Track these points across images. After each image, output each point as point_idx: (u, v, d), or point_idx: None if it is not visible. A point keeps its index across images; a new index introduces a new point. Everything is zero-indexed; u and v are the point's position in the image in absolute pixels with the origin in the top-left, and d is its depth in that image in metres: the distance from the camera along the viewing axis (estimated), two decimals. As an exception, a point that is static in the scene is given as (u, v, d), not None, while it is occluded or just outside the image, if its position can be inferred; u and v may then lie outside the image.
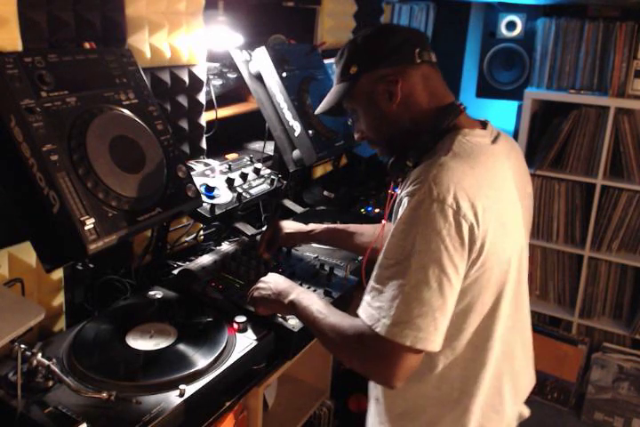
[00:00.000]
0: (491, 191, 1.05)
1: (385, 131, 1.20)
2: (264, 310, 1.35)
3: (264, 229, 1.73)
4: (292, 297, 1.25)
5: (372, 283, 1.04)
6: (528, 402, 1.32)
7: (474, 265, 1.02)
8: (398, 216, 1.03)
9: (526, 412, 1.31)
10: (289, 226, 1.66)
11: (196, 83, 1.80)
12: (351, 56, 1.19)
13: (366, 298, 1.04)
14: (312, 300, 1.21)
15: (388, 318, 0.98)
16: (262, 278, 1.37)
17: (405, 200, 1.02)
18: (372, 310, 1.01)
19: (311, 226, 1.64)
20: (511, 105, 3.22)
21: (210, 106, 1.89)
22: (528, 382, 1.32)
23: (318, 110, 1.30)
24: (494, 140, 1.16)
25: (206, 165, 1.79)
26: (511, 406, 1.23)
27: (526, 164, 1.27)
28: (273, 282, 1.33)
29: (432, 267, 0.97)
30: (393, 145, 1.21)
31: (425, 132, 1.13)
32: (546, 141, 2.90)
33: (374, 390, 1.27)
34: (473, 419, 1.16)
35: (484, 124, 1.19)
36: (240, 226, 1.73)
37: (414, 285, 0.97)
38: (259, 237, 1.70)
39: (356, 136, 1.26)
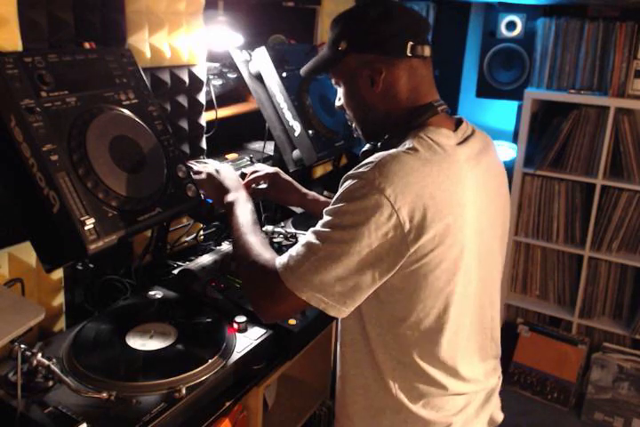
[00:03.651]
0: (437, 191, 1.02)
1: (359, 113, 1.20)
2: (204, 190, 1.43)
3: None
4: (231, 199, 1.35)
5: (301, 241, 1.05)
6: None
7: (402, 255, 1.00)
8: (338, 193, 1.04)
9: (499, 417, 1.30)
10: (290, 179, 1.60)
11: (196, 83, 1.79)
12: (345, 30, 1.16)
13: (290, 251, 1.06)
14: (246, 211, 1.30)
15: (297, 269, 1.01)
16: (219, 167, 1.47)
17: (349, 181, 1.03)
18: (288, 259, 1.04)
19: (308, 191, 1.58)
20: (511, 105, 3.23)
21: (210, 106, 1.89)
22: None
23: (303, 72, 1.30)
24: (463, 141, 1.13)
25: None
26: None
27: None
28: (224, 173, 1.44)
29: (350, 245, 0.98)
30: (363, 128, 1.22)
31: (393, 130, 1.13)
32: (546, 141, 2.89)
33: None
34: None
35: (459, 123, 1.17)
36: (240, 226, 1.72)
37: (328, 253, 0.99)
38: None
39: (336, 103, 1.27)
